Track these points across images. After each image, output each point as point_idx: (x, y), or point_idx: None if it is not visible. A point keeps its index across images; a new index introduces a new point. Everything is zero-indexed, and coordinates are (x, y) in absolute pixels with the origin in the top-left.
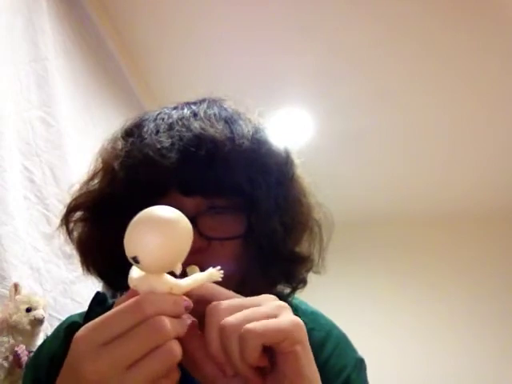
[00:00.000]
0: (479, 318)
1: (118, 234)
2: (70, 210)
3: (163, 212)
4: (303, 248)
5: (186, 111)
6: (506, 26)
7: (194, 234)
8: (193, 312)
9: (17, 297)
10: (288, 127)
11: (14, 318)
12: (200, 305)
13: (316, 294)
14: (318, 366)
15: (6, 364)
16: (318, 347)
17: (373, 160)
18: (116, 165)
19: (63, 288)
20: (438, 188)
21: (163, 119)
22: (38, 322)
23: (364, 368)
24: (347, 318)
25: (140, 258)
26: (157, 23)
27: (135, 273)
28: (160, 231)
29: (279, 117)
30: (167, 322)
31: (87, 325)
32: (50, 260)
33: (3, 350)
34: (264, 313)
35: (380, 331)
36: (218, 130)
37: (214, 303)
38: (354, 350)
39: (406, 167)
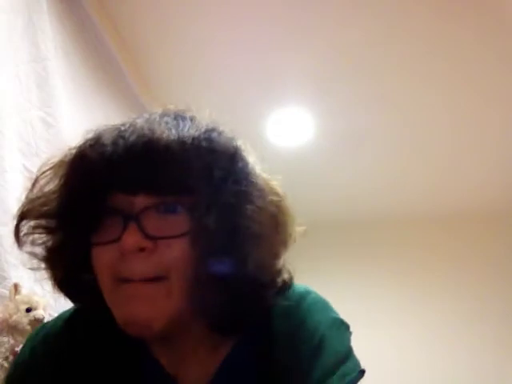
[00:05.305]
0: (480, 317)
1: (78, 240)
2: (23, 216)
3: None
4: (260, 246)
5: (135, 118)
6: (509, 26)
7: (139, 233)
8: None
9: (17, 297)
10: (288, 127)
11: (14, 318)
12: None
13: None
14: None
15: (6, 364)
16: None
17: (373, 160)
18: (68, 169)
19: None
20: (438, 188)
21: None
22: (37, 322)
23: (344, 329)
24: (347, 317)
25: None
26: (156, 23)
27: None
28: None
29: (279, 117)
30: None
31: None
32: None
33: (3, 350)
34: None
35: (380, 331)
36: (160, 128)
37: None
38: (332, 311)
39: (406, 167)
